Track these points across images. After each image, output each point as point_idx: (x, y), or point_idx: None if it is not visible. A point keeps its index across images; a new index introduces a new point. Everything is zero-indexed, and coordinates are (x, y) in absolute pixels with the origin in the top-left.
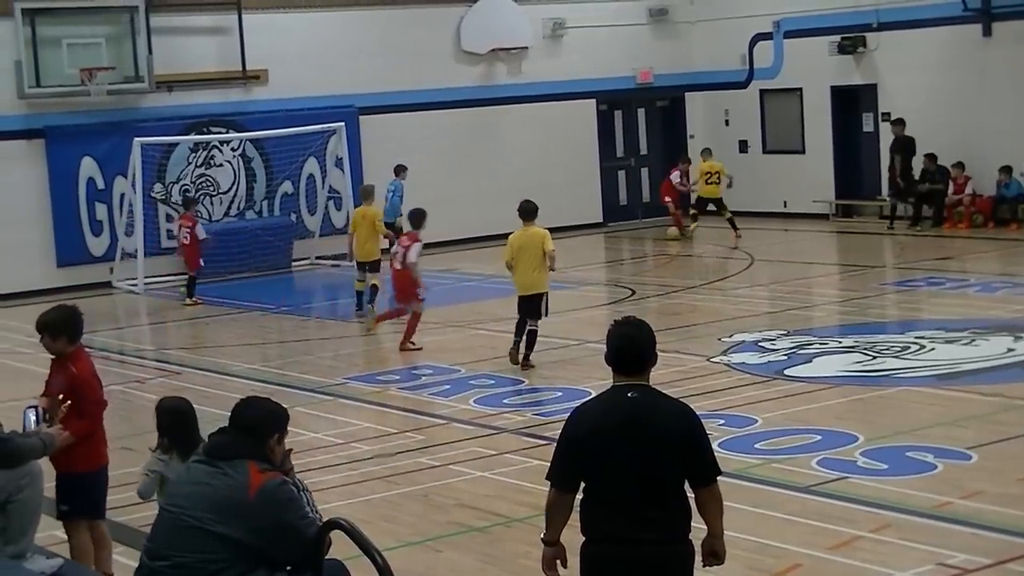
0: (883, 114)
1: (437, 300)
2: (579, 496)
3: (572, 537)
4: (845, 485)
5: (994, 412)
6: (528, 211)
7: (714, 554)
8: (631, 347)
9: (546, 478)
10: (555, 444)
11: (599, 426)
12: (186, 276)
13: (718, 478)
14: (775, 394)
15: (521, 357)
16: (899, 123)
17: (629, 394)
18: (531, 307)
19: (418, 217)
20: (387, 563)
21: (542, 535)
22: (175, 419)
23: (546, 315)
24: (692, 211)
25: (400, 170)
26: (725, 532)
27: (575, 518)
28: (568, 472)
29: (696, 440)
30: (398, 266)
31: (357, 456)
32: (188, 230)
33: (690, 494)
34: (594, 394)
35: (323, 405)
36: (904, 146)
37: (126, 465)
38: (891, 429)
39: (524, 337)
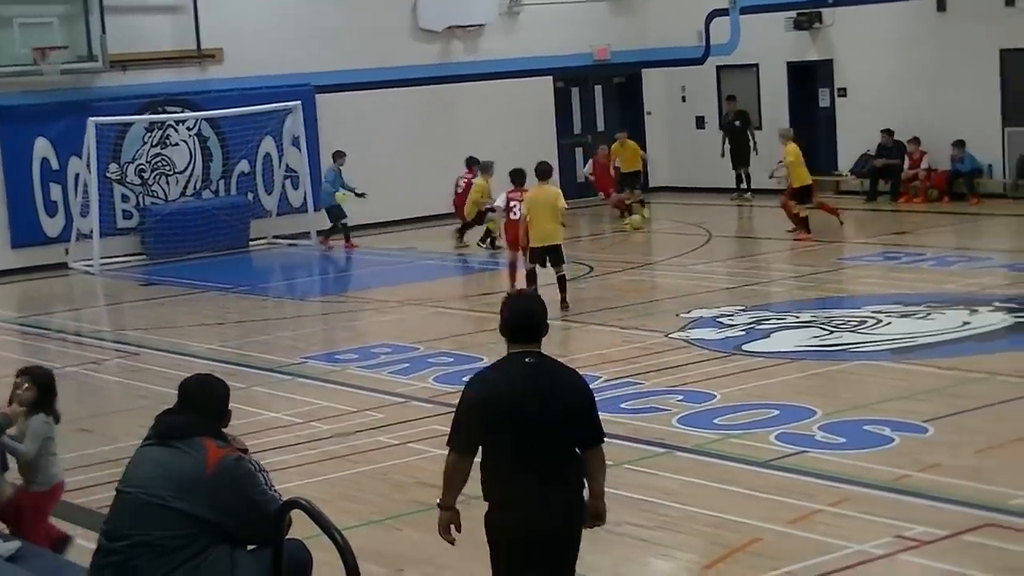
0: (839, 89)
1: (395, 278)
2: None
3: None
4: (803, 459)
5: (950, 385)
6: (543, 171)
7: (597, 515)
8: (529, 319)
9: (447, 444)
10: (455, 410)
11: (500, 390)
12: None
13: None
14: (733, 369)
15: (560, 305)
16: (732, 99)
17: (527, 359)
18: (550, 256)
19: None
20: (347, 542)
21: (438, 500)
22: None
23: (565, 263)
24: (632, 196)
25: (338, 156)
26: (686, 507)
27: None
28: (470, 436)
29: (590, 404)
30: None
31: (316, 435)
32: (465, 182)
33: None
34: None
35: (282, 385)
36: (745, 119)
37: (86, 447)
38: (848, 403)
39: (532, 283)
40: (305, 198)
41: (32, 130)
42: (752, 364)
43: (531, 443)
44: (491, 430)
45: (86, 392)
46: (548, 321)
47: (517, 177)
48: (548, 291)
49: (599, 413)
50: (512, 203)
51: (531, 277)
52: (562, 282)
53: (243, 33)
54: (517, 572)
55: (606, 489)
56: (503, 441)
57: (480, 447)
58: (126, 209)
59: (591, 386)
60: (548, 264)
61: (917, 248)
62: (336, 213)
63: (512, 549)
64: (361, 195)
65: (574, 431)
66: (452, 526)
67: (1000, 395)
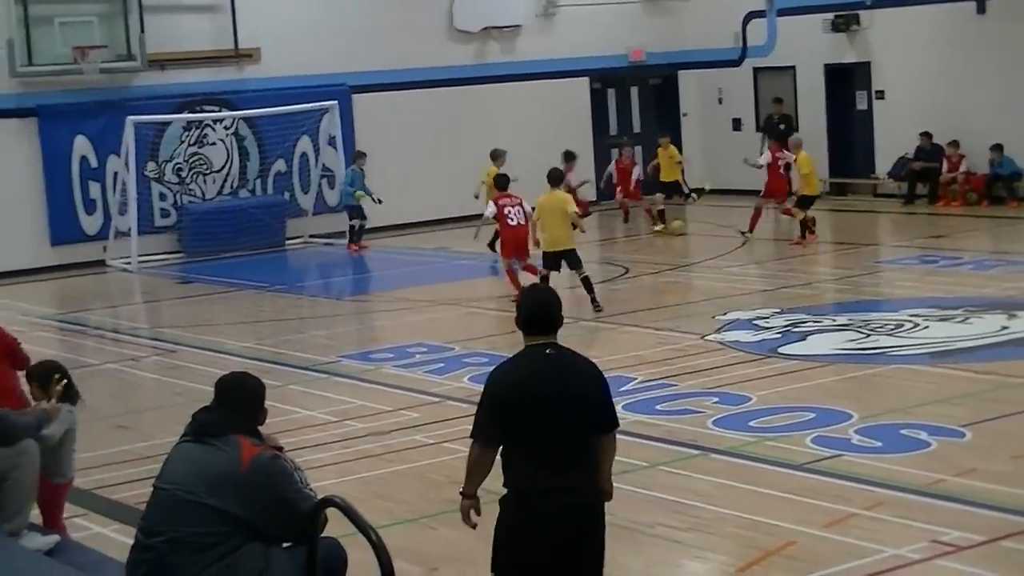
0: (877, 92)
1: (429, 279)
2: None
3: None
4: (839, 463)
5: (987, 390)
6: (555, 178)
7: (604, 492)
8: (545, 311)
9: (471, 435)
10: (478, 402)
11: (518, 382)
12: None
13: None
14: (769, 372)
15: (592, 306)
16: (779, 101)
17: (547, 351)
18: (566, 260)
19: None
20: (382, 541)
21: (461, 489)
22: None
23: (581, 267)
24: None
25: (359, 156)
26: (720, 509)
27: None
28: (493, 428)
29: (604, 392)
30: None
31: (351, 434)
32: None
33: None
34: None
35: (317, 383)
36: (789, 123)
37: (122, 443)
38: (885, 407)
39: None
40: (341, 197)
41: (71, 128)
42: (788, 367)
43: (549, 432)
44: (510, 421)
45: (123, 389)
46: (565, 315)
47: (501, 181)
48: (576, 295)
49: (624, 409)
50: (505, 209)
51: (543, 281)
52: (587, 283)
53: (280, 33)
54: (538, 565)
55: (639, 490)
56: (522, 431)
57: (503, 437)
58: (164, 207)
59: (626, 387)
60: (568, 268)
61: (955, 252)
62: (354, 212)
63: (531, 540)
64: (378, 201)
65: (589, 419)
66: (472, 511)
67: None
